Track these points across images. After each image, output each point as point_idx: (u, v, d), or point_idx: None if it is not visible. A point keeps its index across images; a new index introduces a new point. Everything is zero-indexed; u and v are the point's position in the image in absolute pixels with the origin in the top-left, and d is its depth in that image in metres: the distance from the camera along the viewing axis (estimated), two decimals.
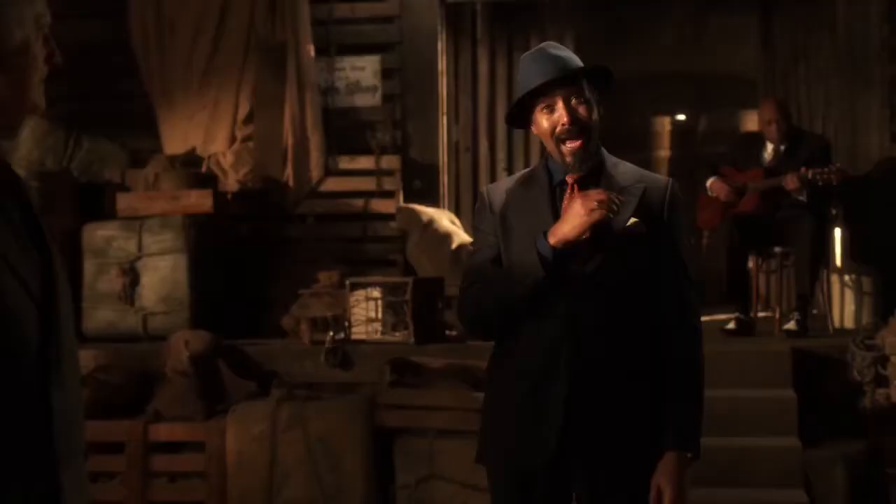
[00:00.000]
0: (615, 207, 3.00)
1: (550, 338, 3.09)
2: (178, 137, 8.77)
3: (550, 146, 3.18)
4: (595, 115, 3.15)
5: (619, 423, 3.10)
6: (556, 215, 3.13)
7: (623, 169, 3.22)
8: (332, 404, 6.51)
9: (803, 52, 9.01)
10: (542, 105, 3.14)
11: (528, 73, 3.17)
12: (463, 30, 9.08)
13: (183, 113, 8.78)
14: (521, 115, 3.23)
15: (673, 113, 12.60)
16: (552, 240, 3.04)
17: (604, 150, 3.24)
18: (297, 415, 6.42)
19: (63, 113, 8.73)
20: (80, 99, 8.90)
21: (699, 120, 12.66)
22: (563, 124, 3.11)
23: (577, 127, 3.11)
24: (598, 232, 3.05)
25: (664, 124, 12.45)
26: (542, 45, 3.22)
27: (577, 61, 3.19)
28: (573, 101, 3.12)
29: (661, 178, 3.24)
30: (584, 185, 3.15)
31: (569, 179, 3.17)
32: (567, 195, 3.16)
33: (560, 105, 3.11)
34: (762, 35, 9.33)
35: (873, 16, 8.36)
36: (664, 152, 12.26)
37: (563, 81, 3.12)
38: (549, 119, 3.14)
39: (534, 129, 3.20)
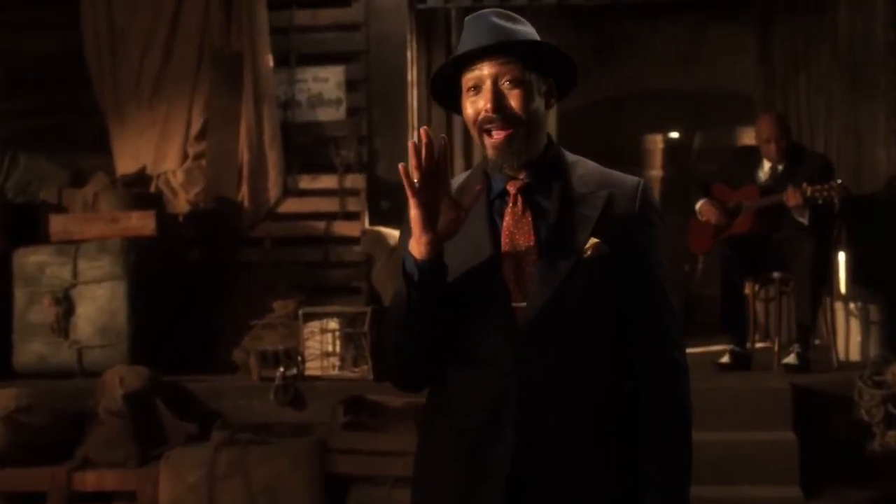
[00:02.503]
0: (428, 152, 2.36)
1: (491, 393, 2.46)
2: (128, 155, 8.29)
3: (478, 142, 2.56)
4: (534, 106, 2.50)
5: (578, 500, 2.48)
6: (496, 235, 2.51)
7: (582, 171, 2.57)
8: (277, 449, 6.06)
9: (803, 62, 8.54)
10: (469, 85, 2.52)
11: (460, 43, 2.57)
12: (436, 37, 8.56)
13: (134, 129, 8.33)
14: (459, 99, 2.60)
15: (667, 130, 12.16)
16: (413, 249, 2.43)
17: (560, 149, 2.61)
18: (238, 461, 5.96)
19: (8, 130, 8.22)
20: (28, 115, 8.51)
21: (694, 137, 12.22)
22: (485, 111, 2.48)
23: (502, 116, 2.47)
24: (549, 258, 2.45)
25: (657, 142, 12.02)
26: (490, 9, 2.57)
27: (527, 37, 2.54)
28: (504, 83, 2.48)
29: (629, 179, 2.58)
30: (529, 194, 2.53)
31: (510, 189, 2.54)
32: (509, 209, 2.53)
33: (487, 86, 2.49)
34: (760, 46, 8.89)
35: (878, 21, 7.87)
36: (657, 171, 11.84)
37: (493, 56, 2.48)
38: (473, 105, 2.51)
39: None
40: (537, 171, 2.53)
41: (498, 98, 2.46)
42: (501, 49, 2.48)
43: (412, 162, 2.34)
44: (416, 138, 2.35)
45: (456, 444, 2.50)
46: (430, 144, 2.34)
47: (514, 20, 2.54)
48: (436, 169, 2.36)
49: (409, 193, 2.36)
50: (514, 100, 2.47)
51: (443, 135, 2.44)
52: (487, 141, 2.50)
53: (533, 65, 2.51)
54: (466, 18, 2.58)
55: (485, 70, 2.48)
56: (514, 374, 2.43)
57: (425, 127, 2.39)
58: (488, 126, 2.48)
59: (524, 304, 2.45)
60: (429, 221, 2.37)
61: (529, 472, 2.43)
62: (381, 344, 2.68)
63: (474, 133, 2.53)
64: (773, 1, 8.64)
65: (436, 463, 2.57)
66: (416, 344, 2.48)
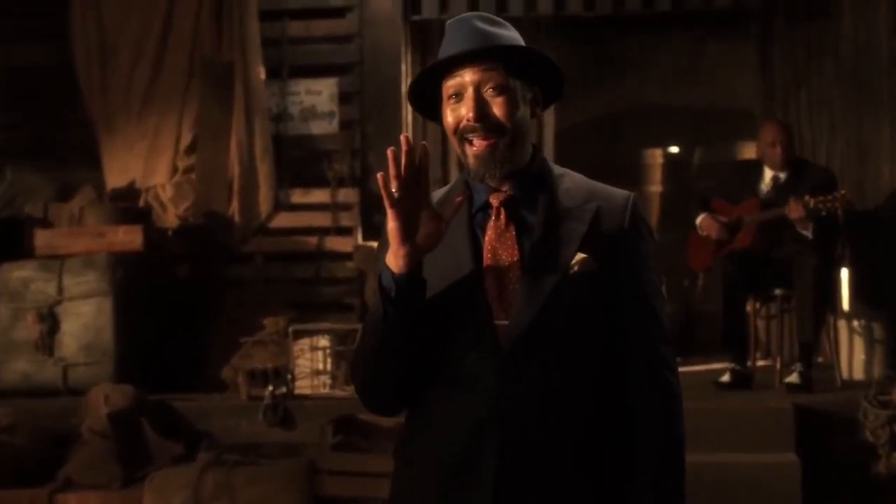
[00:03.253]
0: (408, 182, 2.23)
1: (471, 415, 2.32)
2: (118, 169, 8.15)
3: (457, 151, 2.42)
4: (519, 114, 2.37)
5: None
6: (477, 249, 2.37)
7: (569, 184, 2.44)
8: (265, 470, 5.89)
9: (805, 75, 8.37)
10: (450, 92, 2.38)
11: (441, 48, 2.43)
12: (431, 49, 8.41)
13: (123, 142, 8.18)
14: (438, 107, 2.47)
15: (666, 145, 12.03)
16: (390, 262, 2.29)
17: (546, 161, 2.48)
18: (224, 482, 5.78)
19: None
20: (15, 127, 8.41)
21: (694, 152, 12.08)
22: (467, 119, 2.34)
23: (485, 125, 2.34)
24: (534, 273, 2.32)
25: (656, 157, 11.88)
26: (472, 13, 2.44)
27: (512, 42, 2.40)
28: (487, 91, 2.35)
29: (618, 192, 2.45)
30: (513, 207, 2.39)
31: (493, 201, 2.40)
32: (491, 223, 2.39)
33: (469, 93, 2.35)
34: (761, 59, 8.72)
35: (882, 30, 7.67)
36: (657, 187, 11.68)
37: (475, 62, 2.34)
38: (454, 112, 2.37)
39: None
40: (522, 182, 2.40)
41: (480, 106, 2.33)
42: (484, 54, 2.34)
43: (391, 171, 2.20)
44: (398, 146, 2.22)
45: (435, 470, 2.36)
46: (410, 152, 2.20)
47: (497, 24, 2.41)
48: (416, 178, 2.23)
49: (386, 204, 2.23)
50: (497, 108, 2.34)
51: (423, 142, 2.31)
52: (468, 149, 2.37)
53: (517, 71, 2.38)
54: (448, 22, 2.45)
55: (466, 77, 2.35)
56: (495, 395, 2.29)
57: (406, 134, 2.25)
58: (470, 135, 2.35)
59: (507, 321, 2.32)
60: (407, 233, 2.24)
61: (513, 497, 2.29)
62: (354, 361, 2.53)
63: (454, 142, 2.40)
64: (774, 13, 8.49)
65: (414, 490, 2.42)
66: (392, 362, 2.34)
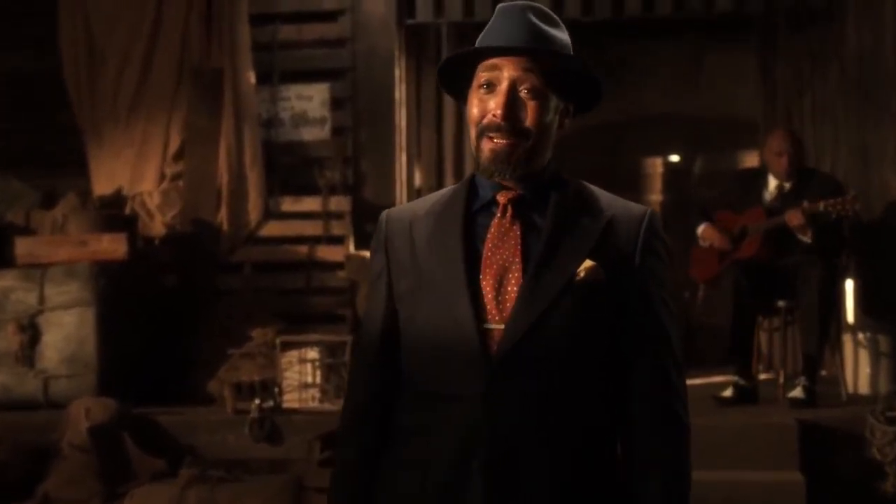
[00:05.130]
0: None
1: (457, 436, 2.15)
2: (105, 176, 7.97)
3: (473, 142, 2.26)
4: (548, 120, 2.22)
5: None
6: (473, 254, 2.20)
7: (583, 192, 2.29)
8: (250, 487, 5.76)
9: (808, 82, 8.19)
10: (482, 81, 2.22)
11: (486, 30, 2.27)
12: (426, 54, 8.28)
13: (111, 149, 8.00)
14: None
15: (666, 154, 11.91)
16: None
17: (560, 170, 2.32)
18: (207, 499, 5.65)
19: None
20: (1, 134, 8.24)
21: (694, 161, 11.97)
22: (493, 115, 2.19)
23: (510, 125, 2.18)
24: (536, 276, 2.15)
25: (657, 166, 11.77)
26: (525, 3, 2.26)
27: (563, 46, 2.25)
28: (522, 91, 2.20)
29: (635, 206, 2.30)
30: (521, 206, 2.23)
31: (500, 199, 2.24)
32: (495, 220, 2.23)
33: (503, 88, 2.19)
34: (762, 67, 8.56)
35: (887, 36, 7.51)
36: (657, 196, 11.58)
37: (520, 56, 2.20)
38: (482, 104, 2.22)
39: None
40: (533, 184, 2.24)
41: (512, 105, 2.18)
42: (531, 53, 2.19)
43: None
44: None
45: (416, 499, 2.19)
46: None
47: (552, 23, 2.25)
48: None
49: None
50: (530, 111, 2.19)
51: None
52: (485, 144, 2.20)
53: (557, 78, 2.22)
54: (499, 6, 2.28)
55: (504, 71, 2.19)
56: (484, 413, 2.12)
57: None
58: (492, 133, 2.19)
59: (502, 325, 2.14)
60: None
61: None
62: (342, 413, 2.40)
63: (472, 133, 2.24)
64: (775, 19, 8.33)
65: None
66: None
